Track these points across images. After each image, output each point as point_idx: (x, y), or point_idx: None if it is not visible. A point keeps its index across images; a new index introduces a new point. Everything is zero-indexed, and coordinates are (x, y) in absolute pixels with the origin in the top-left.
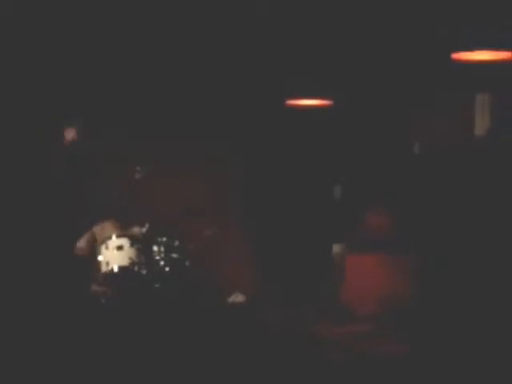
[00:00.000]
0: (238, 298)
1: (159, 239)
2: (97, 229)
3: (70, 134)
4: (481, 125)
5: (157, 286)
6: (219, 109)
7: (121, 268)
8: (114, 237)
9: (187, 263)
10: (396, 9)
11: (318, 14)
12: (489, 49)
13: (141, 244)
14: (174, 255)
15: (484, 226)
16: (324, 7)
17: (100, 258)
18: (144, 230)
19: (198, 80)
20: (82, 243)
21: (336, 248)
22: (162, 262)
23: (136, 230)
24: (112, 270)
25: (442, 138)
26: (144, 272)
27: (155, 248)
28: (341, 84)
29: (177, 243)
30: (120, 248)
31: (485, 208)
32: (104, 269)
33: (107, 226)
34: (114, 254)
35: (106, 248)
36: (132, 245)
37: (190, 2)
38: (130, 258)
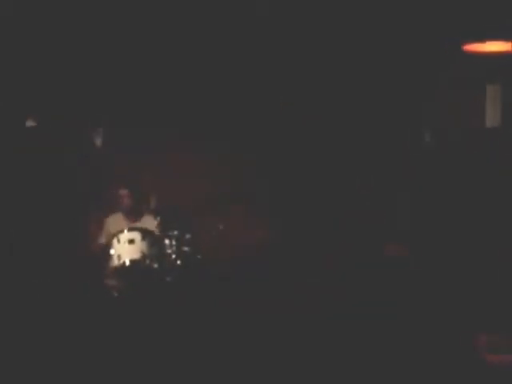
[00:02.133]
0: None
1: (171, 233)
2: (108, 220)
3: (96, 139)
4: (492, 116)
5: (168, 279)
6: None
7: (132, 261)
8: (125, 230)
9: (199, 256)
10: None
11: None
12: (500, 39)
13: (152, 237)
14: (186, 249)
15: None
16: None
17: (112, 251)
18: (156, 223)
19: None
20: (101, 239)
21: None
22: (173, 256)
23: (148, 222)
24: (124, 263)
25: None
26: (156, 265)
27: (167, 241)
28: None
29: (188, 236)
30: (131, 242)
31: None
32: (116, 262)
33: (119, 218)
34: (125, 248)
35: (118, 241)
36: (143, 238)
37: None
38: (142, 252)
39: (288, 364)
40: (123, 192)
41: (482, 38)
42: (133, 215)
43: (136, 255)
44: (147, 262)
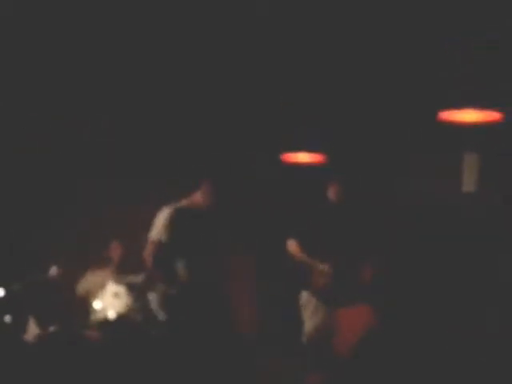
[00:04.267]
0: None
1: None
2: (92, 276)
3: None
4: (468, 182)
5: (153, 333)
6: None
7: (117, 315)
8: (111, 283)
9: None
10: (385, 67)
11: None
12: (476, 108)
13: (137, 291)
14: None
15: (463, 281)
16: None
17: (97, 304)
18: (140, 278)
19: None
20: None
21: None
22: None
23: (133, 277)
24: (108, 316)
25: (429, 193)
26: (140, 319)
27: (151, 297)
28: (330, 141)
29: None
30: (117, 295)
31: (467, 262)
32: (100, 315)
33: (103, 274)
34: (110, 301)
35: (103, 295)
36: (129, 292)
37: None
38: (127, 305)
39: None
40: (114, 244)
41: (458, 107)
42: (119, 268)
43: (121, 309)
44: (132, 315)
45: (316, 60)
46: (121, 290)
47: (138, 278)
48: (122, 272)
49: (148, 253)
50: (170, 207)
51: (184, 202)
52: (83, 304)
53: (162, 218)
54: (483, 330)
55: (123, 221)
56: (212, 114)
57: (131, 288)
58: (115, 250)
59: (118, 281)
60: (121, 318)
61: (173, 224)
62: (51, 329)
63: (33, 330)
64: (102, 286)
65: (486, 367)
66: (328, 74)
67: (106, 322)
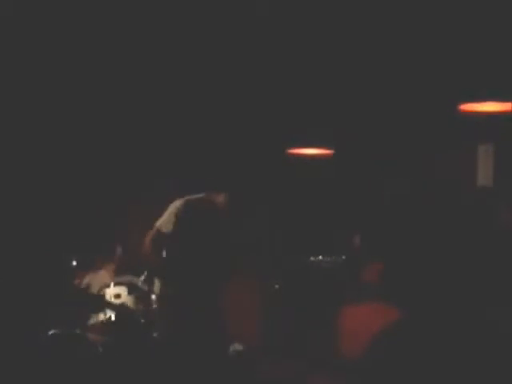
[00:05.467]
0: (235, 347)
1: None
2: (92, 277)
3: None
4: (483, 175)
5: (155, 334)
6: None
7: (118, 316)
8: (111, 285)
9: None
10: (405, 57)
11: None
12: (495, 100)
13: (139, 292)
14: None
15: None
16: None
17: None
18: (142, 278)
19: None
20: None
21: None
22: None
23: (134, 278)
24: (110, 318)
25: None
26: (142, 321)
27: (153, 297)
28: (342, 134)
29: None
30: (118, 296)
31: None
32: (102, 317)
33: (103, 274)
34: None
35: (104, 295)
36: (130, 293)
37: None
38: (128, 307)
39: None
40: (117, 248)
41: (478, 99)
42: (121, 269)
43: (122, 310)
44: (133, 317)
45: (326, 57)
46: (122, 290)
47: (140, 279)
48: (123, 273)
49: (148, 238)
50: (183, 199)
51: (198, 196)
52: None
53: (170, 208)
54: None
55: (125, 221)
56: (221, 115)
57: (132, 289)
58: (116, 251)
59: (119, 281)
60: (122, 319)
61: (178, 216)
62: (51, 331)
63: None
64: (103, 287)
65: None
66: (341, 64)
67: (107, 324)
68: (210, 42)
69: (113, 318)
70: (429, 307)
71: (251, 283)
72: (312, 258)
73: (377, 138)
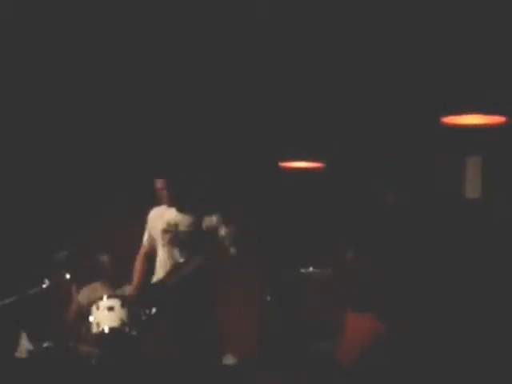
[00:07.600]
0: (229, 360)
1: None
2: (85, 291)
3: None
4: (472, 188)
5: (148, 347)
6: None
7: (111, 329)
8: (104, 297)
9: None
10: (388, 72)
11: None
12: (479, 113)
13: (132, 305)
14: None
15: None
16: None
17: (91, 318)
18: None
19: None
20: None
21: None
22: None
23: (127, 290)
24: (103, 331)
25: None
26: (135, 333)
27: (146, 310)
28: (331, 148)
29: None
30: (111, 309)
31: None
32: (95, 330)
33: (97, 287)
34: (104, 315)
35: (97, 308)
36: (123, 306)
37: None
38: (121, 319)
39: None
40: (103, 258)
41: (461, 112)
42: (113, 281)
43: (115, 323)
44: (126, 329)
45: (319, 66)
46: (115, 303)
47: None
48: (115, 285)
49: (140, 254)
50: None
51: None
52: (77, 318)
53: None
54: (498, 337)
55: (116, 233)
56: (212, 121)
57: (126, 301)
58: (108, 263)
59: (112, 294)
60: (115, 332)
61: (147, 223)
62: (44, 344)
63: (25, 346)
64: (96, 300)
65: (498, 375)
66: (329, 78)
67: (100, 337)
68: (201, 54)
69: (106, 330)
70: (418, 317)
71: (244, 295)
72: (303, 270)
73: (366, 151)
